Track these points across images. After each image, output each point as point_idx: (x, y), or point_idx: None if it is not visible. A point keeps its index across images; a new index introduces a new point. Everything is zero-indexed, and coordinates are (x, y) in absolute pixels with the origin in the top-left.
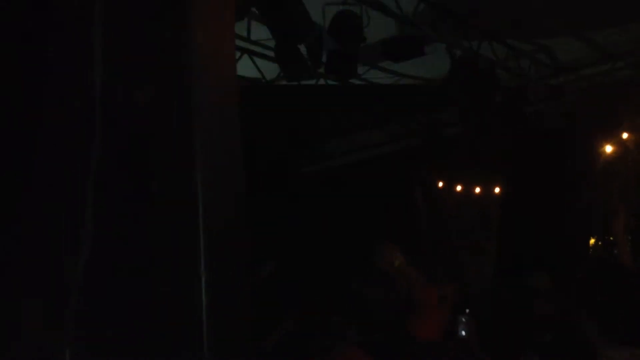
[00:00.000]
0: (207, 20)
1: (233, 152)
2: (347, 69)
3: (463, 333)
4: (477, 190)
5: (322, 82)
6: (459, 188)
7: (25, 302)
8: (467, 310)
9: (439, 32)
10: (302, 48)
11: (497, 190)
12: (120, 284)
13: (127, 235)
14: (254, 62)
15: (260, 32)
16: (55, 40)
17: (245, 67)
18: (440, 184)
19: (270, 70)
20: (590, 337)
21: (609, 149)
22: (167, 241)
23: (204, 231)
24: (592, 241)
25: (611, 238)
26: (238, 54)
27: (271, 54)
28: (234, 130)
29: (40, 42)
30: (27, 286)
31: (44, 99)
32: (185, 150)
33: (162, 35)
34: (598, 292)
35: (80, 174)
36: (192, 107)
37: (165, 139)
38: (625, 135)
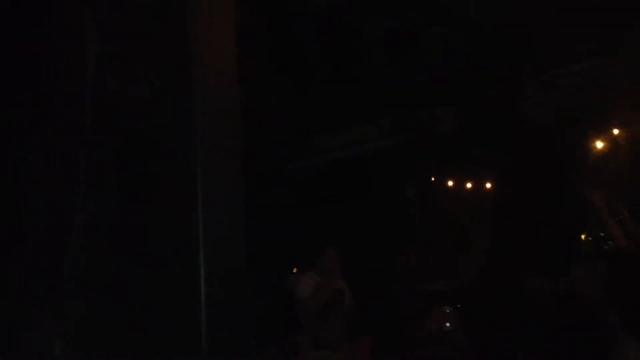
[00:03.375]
0: (208, 15)
1: (232, 147)
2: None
3: (448, 325)
4: (469, 185)
5: None
6: (450, 183)
7: (24, 298)
8: (459, 305)
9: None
10: None
11: (488, 185)
12: (117, 278)
13: (125, 230)
14: None
15: None
16: (48, 38)
17: None
18: (432, 179)
19: None
20: (613, 329)
21: (599, 144)
22: (166, 238)
23: (203, 225)
24: (582, 236)
25: (602, 233)
26: None
27: None
28: (235, 126)
29: (34, 42)
30: (25, 282)
31: (37, 98)
32: (185, 146)
33: (162, 31)
34: (622, 287)
35: (73, 172)
36: (192, 104)
37: (164, 135)
38: (616, 131)
